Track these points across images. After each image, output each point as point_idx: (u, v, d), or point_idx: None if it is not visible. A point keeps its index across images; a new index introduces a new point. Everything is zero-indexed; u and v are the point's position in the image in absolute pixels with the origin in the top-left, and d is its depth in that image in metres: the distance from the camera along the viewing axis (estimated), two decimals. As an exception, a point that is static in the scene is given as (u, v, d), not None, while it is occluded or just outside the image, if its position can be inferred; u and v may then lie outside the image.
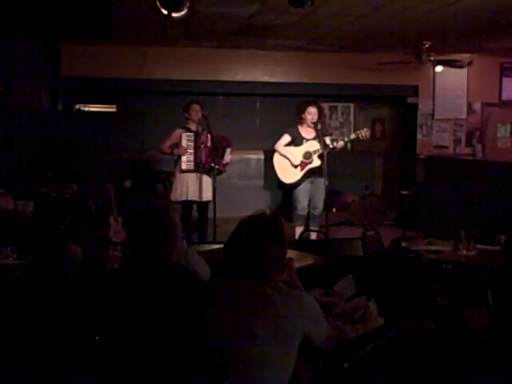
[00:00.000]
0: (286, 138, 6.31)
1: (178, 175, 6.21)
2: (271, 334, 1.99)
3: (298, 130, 6.30)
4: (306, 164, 6.22)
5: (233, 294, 2.10)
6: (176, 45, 7.95)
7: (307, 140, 6.25)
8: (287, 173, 6.33)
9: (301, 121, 6.29)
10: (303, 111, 6.22)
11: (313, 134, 6.24)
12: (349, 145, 9.10)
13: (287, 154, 6.28)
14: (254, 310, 2.03)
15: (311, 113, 6.18)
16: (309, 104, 6.29)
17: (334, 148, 6.15)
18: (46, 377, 2.43)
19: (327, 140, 6.15)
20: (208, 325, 2.07)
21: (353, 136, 6.18)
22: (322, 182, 6.22)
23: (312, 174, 6.28)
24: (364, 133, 6.18)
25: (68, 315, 2.60)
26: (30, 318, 2.61)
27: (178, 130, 6.26)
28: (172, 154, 6.27)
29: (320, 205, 6.36)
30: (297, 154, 6.27)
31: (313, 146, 6.19)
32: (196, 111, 6.18)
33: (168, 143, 6.25)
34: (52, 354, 2.48)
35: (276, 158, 6.44)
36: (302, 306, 2.09)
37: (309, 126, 6.24)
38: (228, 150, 6.28)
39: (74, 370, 2.32)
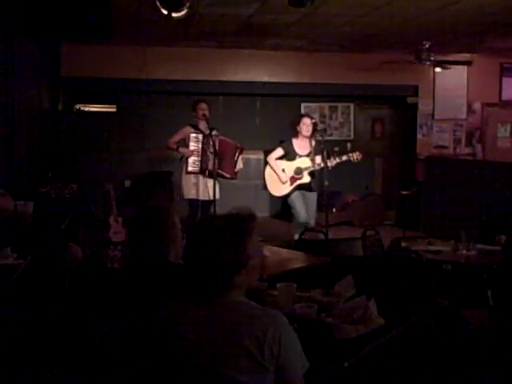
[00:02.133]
0: (279, 152, 6.35)
1: (184, 175, 6.27)
2: (236, 363, 1.74)
3: (292, 144, 6.31)
4: (296, 179, 6.26)
5: (192, 318, 1.83)
6: (176, 45, 7.95)
7: (300, 156, 6.27)
8: (276, 186, 6.39)
9: (296, 133, 6.31)
10: (298, 123, 6.27)
11: (307, 149, 6.27)
12: (348, 145, 9.15)
13: (277, 170, 6.33)
14: (216, 337, 1.77)
15: (305, 123, 6.23)
16: (303, 115, 6.58)
17: (326, 167, 6.09)
18: (45, 377, 2.44)
19: (317, 159, 6.15)
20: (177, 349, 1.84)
21: (344, 158, 6.19)
22: (312, 197, 6.35)
23: (301, 188, 6.32)
24: (356, 156, 6.21)
25: (68, 315, 2.60)
26: (31, 318, 2.61)
27: (188, 128, 6.28)
28: (177, 150, 6.29)
29: (311, 218, 6.39)
30: (288, 168, 6.29)
31: (305, 162, 6.24)
32: (202, 109, 6.20)
33: (175, 138, 6.29)
34: (52, 353, 2.48)
35: (267, 170, 6.50)
36: (269, 328, 1.76)
37: (305, 137, 6.25)
38: (240, 157, 6.35)
39: (74, 369, 2.33)
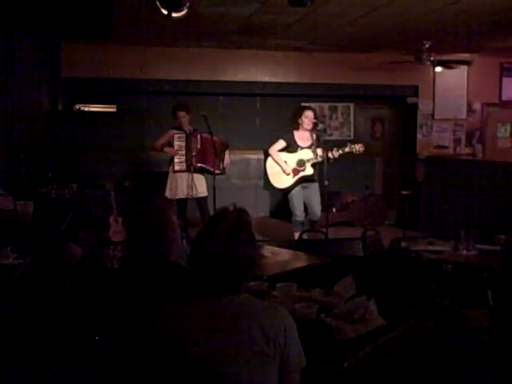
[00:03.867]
0: (281, 144, 6.33)
1: (171, 174, 6.43)
2: (247, 357, 1.78)
3: (293, 136, 6.30)
4: (299, 171, 6.27)
5: (201, 316, 1.84)
6: (176, 45, 7.95)
7: (302, 148, 6.26)
8: (279, 178, 6.38)
9: (297, 126, 6.28)
10: (300, 115, 6.25)
11: (308, 141, 6.27)
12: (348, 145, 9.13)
13: (279, 161, 6.32)
14: (227, 334, 1.80)
15: (308, 116, 6.21)
16: (305, 108, 6.41)
17: (329, 159, 6.10)
18: (46, 376, 2.44)
19: (319, 151, 6.14)
20: (180, 347, 1.85)
21: (347, 149, 6.19)
22: (315, 187, 6.34)
23: (304, 180, 6.32)
24: (358, 147, 6.22)
25: (68, 315, 2.60)
26: (31, 318, 2.61)
27: (172, 131, 6.46)
28: (162, 151, 6.46)
29: (317, 210, 6.37)
30: (290, 160, 6.30)
31: (307, 154, 6.22)
32: (180, 117, 6.38)
33: (160, 141, 6.46)
34: (52, 353, 2.48)
35: (269, 162, 6.50)
36: (275, 320, 1.83)
37: (306, 130, 6.25)
38: (227, 152, 6.39)
39: (74, 369, 2.33)
